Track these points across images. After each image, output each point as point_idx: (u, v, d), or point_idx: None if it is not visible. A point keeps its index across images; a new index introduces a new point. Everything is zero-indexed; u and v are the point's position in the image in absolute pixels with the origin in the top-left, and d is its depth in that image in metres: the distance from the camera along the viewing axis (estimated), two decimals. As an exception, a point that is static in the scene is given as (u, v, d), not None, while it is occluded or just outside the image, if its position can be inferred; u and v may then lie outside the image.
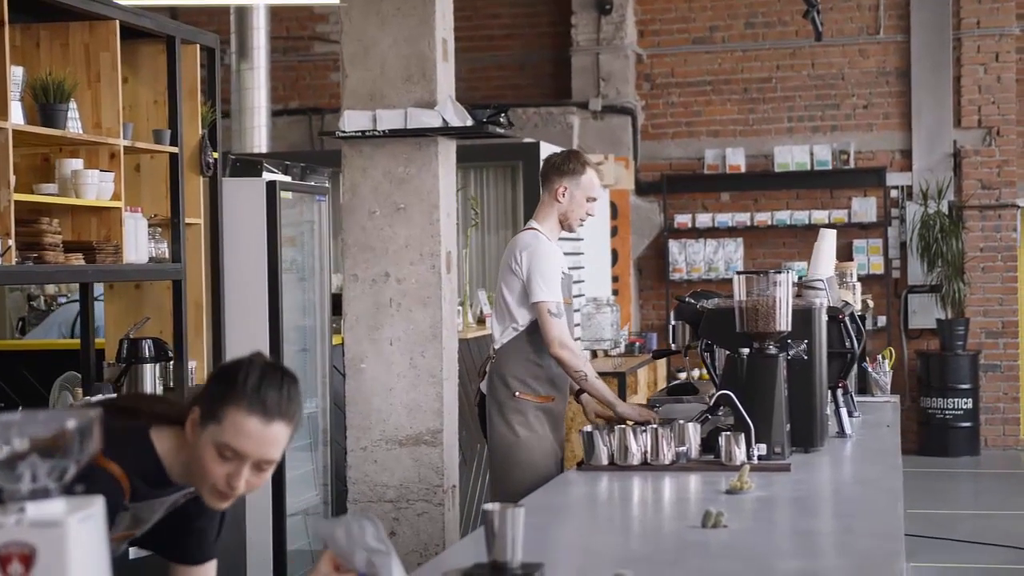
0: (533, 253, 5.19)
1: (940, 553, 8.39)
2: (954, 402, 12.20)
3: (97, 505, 1.79)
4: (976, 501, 10.67)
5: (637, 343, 10.90)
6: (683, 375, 12.46)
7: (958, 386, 12.21)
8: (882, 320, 12.53)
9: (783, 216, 12.72)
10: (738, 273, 4.47)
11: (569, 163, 5.35)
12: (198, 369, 5.83)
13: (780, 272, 4.43)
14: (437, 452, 5.75)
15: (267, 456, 2.56)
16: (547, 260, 5.19)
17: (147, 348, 5.39)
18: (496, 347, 5.36)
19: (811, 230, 12.53)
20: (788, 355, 4.46)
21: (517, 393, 5.24)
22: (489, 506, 2.76)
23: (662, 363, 11.20)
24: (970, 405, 12.23)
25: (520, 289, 5.22)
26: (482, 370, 5.55)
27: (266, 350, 6.29)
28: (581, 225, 5.46)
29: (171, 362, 5.54)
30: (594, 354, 10.25)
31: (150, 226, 5.44)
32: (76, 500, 1.79)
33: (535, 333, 5.23)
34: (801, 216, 12.65)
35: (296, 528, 6.59)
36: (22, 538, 1.71)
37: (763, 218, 12.75)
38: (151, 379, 5.39)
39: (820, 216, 12.56)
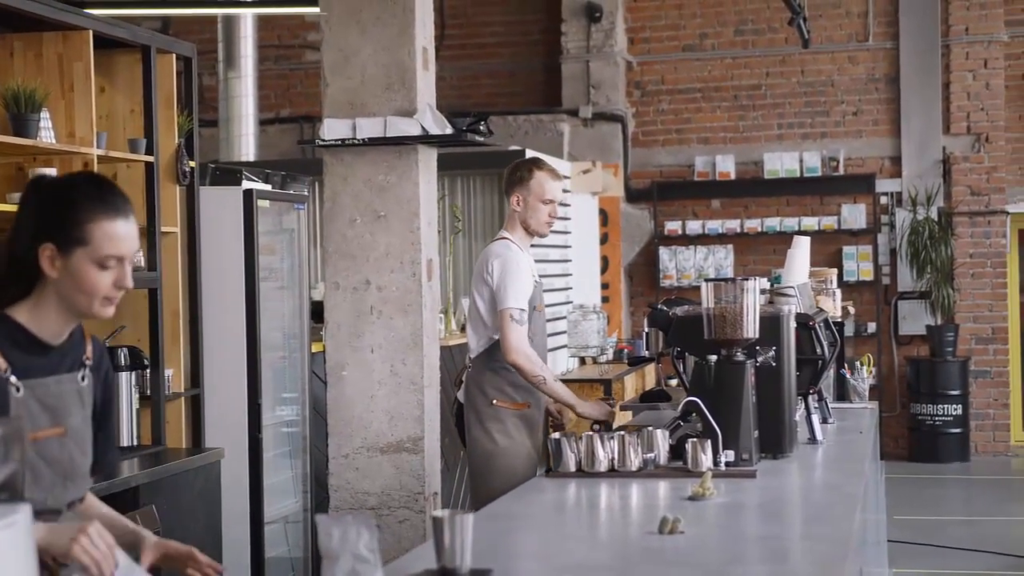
0: (505, 262, 5.29)
1: (929, 559, 8.39)
2: (944, 408, 12.21)
3: (22, 513, 1.81)
4: (966, 507, 10.68)
5: (626, 350, 10.91)
6: (674, 382, 12.47)
7: (948, 392, 12.22)
8: (872, 326, 12.55)
9: (773, 223, 12.74)
10: (706, 280, 4.49)
11: (517, 172, 5.48)
12: (175, 377, 5.84)
13: (748, 279, 4.45)
14: (418, 459, 5.76)
15: (136, 247, 2.74)
16: (517, 268, 5.28)
17: (123, 356, 5.40)
18: (472, 356, 5.44)
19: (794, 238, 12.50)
20: (756, 362, 4.47)
21: (495, 401, 5.33)
22: (437, 513, 2.78)
23: (651, 369, 11.21)
24: (960, 411, 12.24)
25: (491, 298, 5.31)
26: (458, 379, 5.60)
27: (244, 358, 6.32)
28: (550, 227, 5.51)
29: (147, 370, 5.55)
30: (582, 361, 10.27)
31: (126, 235, 5.45)
32: (1, 507, 1.80)
33: None
34: (791, 223, 12.66)
35: (275, 535, 6.60)
36: (-57, 545, 1.73)
37: (753, 225, 12.77)
38: (127, 387, 5.40)
39: (810, 223, 12.57)
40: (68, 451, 2.72)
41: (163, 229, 5.68)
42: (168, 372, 5.73)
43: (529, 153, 9.86)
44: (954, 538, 8.96)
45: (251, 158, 10.59)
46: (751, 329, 4.41)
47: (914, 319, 12.57)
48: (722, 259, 12.85)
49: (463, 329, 8.12)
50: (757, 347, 4.50)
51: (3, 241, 2.77)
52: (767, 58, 12.97)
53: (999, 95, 12.54)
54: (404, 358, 5.99)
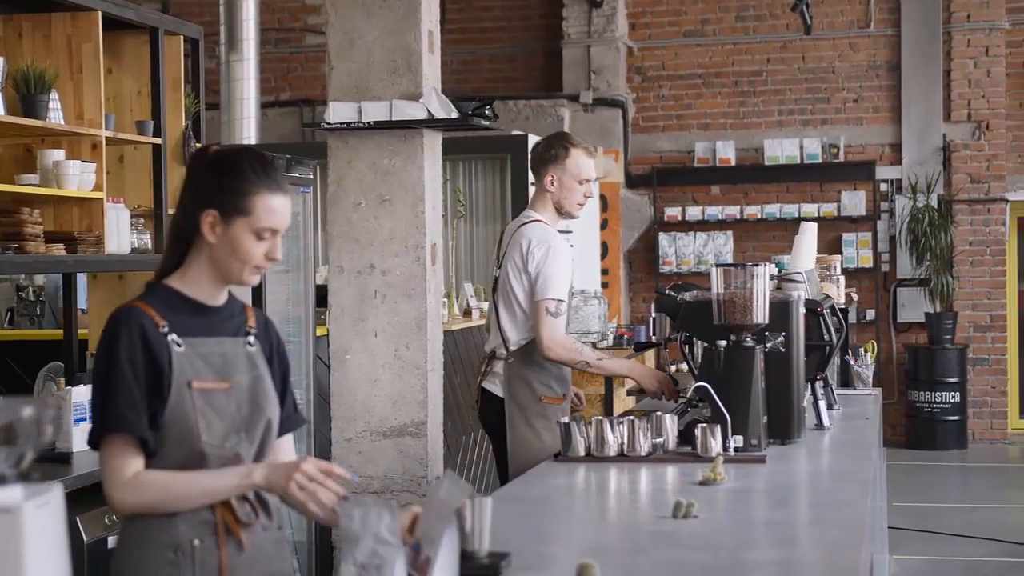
0: (548, 250, 5.04)
1: (927, 546, 8.42)
2: (942, 395, 12.24)
3: (55, 492, 1.81)
4: (963, 494, 10.71)
5: (626, 336, 10.91)
6: (673, 368, 12.48)
7: (946, 380, 12.25)
8: (871, 313, 12.56)
9: (773, 209, 12.74)
10: (716, 266, 4.48)
11: (551, 149, 5.20)
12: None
13: (758, 265, 4.44)
14: (421, 443, 5.76)
15: (289, 223, 2.88)
16: (560, 257, 5.03)
17: (129, 339, 5.38)
18: (511, 347, 5.17)
19: (800, 224, 12.52)
20: (765, 347, 4.47)
21: (543, 398, 5.11)
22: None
23: (651, 355, 11.23)
24: (958, 398, 12.26)
25: (532, 287, 5.06)
26: (486, 370, 5.33)
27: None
28: (581, 208, 5.28)
29: (154, 353, 5.54)
30: (582, 346, 10.27)
31: (133, 217, 5.45)
32: (33, 487, 1.81)
33: None
34: (791, 209, 12.67)
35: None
36: (-23, 524, 1.73)
37: (753, 211, 12.78)
38: (133, 370, 5.39)
39: (810, 209, 12.58)
40: (235, 405, 2.85)
41: (170, 211, 5.67)
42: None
43: (532, 139, 9.85)
44: (952, 525, 8.98)
45: (252, 141, 10.53)
46: (761, 315, 4.41)
47: (913, 306, 12.59)
48: (721, 245, 12.86)
49: (466, 314, 8.12)
50: (766, 333, 4.50)
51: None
52: (768, 44, 12.96)
53: (1000, 83, 12.54)
54: (408, 342, 5.99)
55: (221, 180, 2.82)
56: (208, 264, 2.84)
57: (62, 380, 5.41)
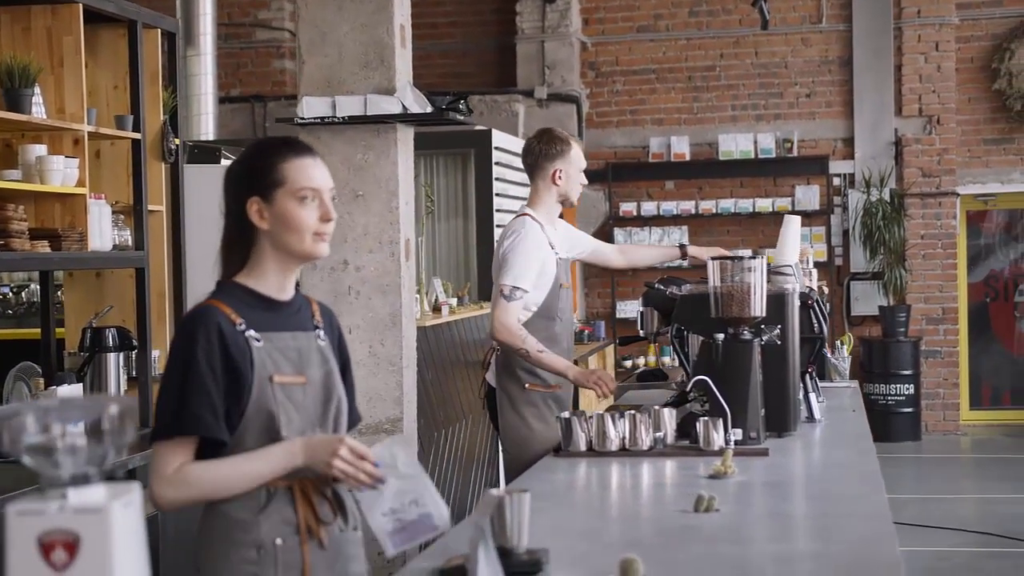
0: (517, 239, 5.16)
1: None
2: (896, 388, 12.34)
3: (135, 490, 1.77)
4: (919, 485, 10.80)
5: (586, 331, 10.93)
6: (628, 363, 12.51)
7: (900, 372, 12.35)
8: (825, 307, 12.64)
9: (727, 204, 12.79)
10: (712, 258, 4.48)
11: (555, 145, 5.33)
12: (161, 358, 5.75)
13: (755, 257, 4.44)
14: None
15: (330, 183, 2.88)
16: (527, 245, 5.14)
17: (111, 337, 5.31)
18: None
19: (755, 218, 12.63)
20: (762, 340, 4.48)
21: (527, 385, 5.19)
22: (495, 491, 2.75)
23: (610, 351, 11.25)
24: (912, 391, 12.37)
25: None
26: (486, 361, 5.40)
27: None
28: (579, 192, 5.47)
29: (135, 351, 5.46)
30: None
31: (113, 213, 5.36)
32: (117, 486, 1.76)
33: (538, 322, 5.16)
34: (745, 204, 12.73)
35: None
36: (65, 525, 1.69)
37: (708, 206, 12.82)
38: (115, 368, 5.31)
39: (764, 204, 12.65)
40: (311, 399, 2.84)
41: (149, 208, 5.58)
42: (155, 353, 5.63)
43: (496, 135, 9.83)
44: (911, 516, 9.05)
45: (211, 137, 10.44)
46: (758, 307, 4.41)
47: (866, 300, 12.69)
48: (677, 240, 12.88)
49: (436, 310, 8.07)
50: (762, 325, 4.50)
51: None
52: (721, 39, 13.01)
53: (950, 77, 12.66)
54: (383, 339, 5.96)
55: (250, 168, 2.86)
56: (272, 253, 2.84)
57: (40, 380, 5.30)
